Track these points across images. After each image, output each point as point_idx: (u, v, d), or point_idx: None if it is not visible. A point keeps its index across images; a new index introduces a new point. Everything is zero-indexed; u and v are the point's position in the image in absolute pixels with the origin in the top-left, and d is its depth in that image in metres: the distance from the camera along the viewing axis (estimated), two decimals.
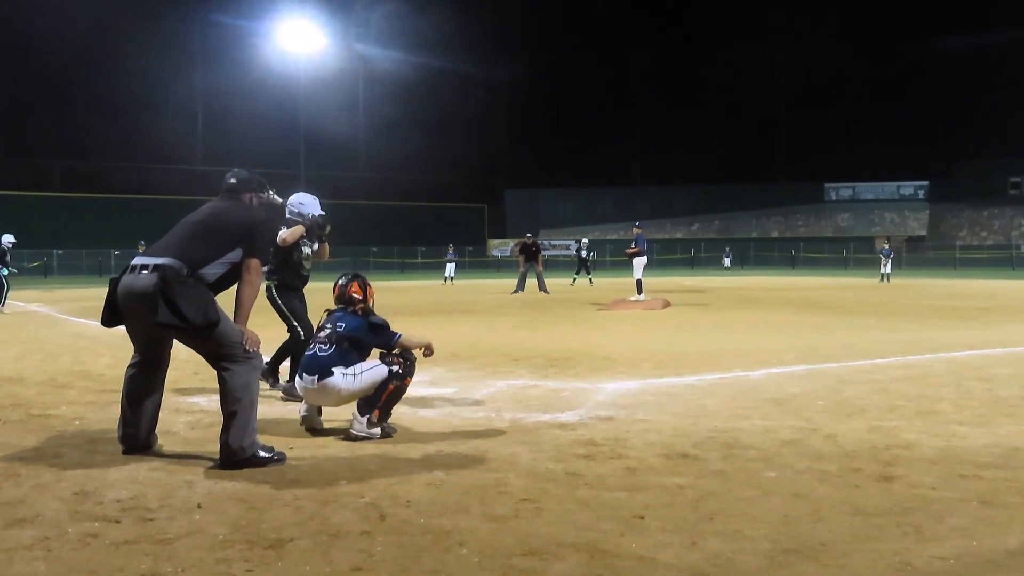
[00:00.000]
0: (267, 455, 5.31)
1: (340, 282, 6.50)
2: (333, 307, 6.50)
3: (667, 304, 20.45)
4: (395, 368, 6.17)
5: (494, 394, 7.89)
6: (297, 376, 6.40)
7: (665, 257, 72.39)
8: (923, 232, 77.94)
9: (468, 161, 79.98)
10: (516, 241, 75.27)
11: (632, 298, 21.37)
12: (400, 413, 6.89)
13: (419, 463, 5.36)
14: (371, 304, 6.55)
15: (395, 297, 26.75)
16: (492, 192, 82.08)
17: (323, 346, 6.19)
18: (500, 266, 68.42)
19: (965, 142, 79.97)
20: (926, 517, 4.25)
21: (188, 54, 67.77)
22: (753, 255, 72.46)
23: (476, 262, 70.21)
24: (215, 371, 5.37)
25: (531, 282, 28.62)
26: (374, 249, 65.03)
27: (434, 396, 7.78)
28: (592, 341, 12.56)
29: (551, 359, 10.33)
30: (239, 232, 5.48)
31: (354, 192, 73.36)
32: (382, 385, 6.10)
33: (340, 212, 68.71)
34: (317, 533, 4.05)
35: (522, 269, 29.07)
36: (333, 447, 5.81)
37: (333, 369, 6.07)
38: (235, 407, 5.25)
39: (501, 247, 76.37)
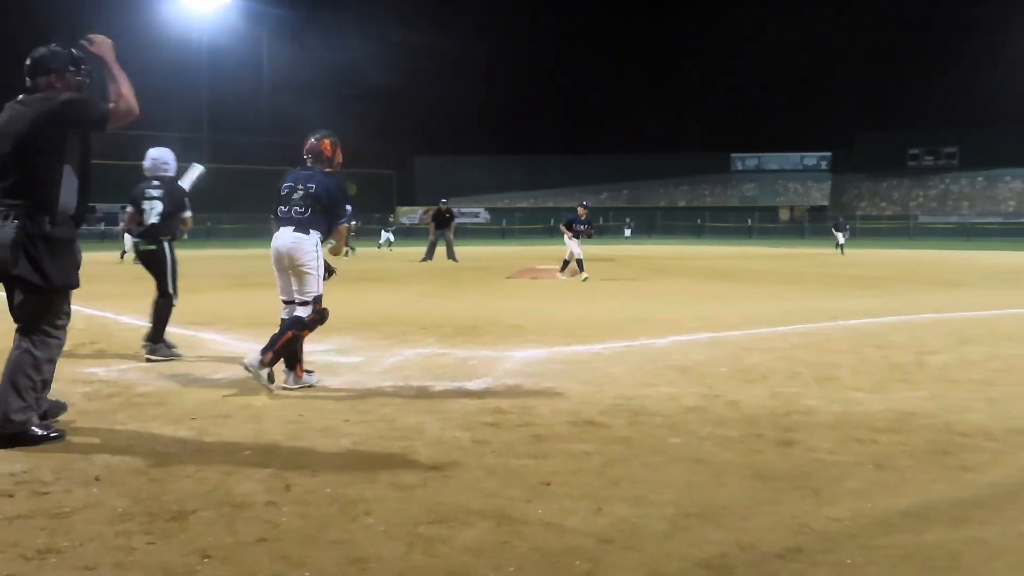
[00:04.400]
0: (42, 432, 5.01)
1: (312, 138, 6.85)
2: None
3: (575, 272, 20.61)
4: (305, 314, 6.57)
5: (402, 363, 7.87)
6: (276, 229, 6.68)
7: None
8: (825, 202, 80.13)
9: (377, 127, 79.02)
10: (425, 209, 74.89)
11: (583, 276, 19.09)
12: (307, 382, 6.83)
13: (325, 432, 5.33)
14: (336, 167, 6.87)
15: None
16: (402, 159, 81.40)
17: (299, 208, 6.57)
18: (409, 233, 68.03)
19: (866, 114, 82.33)
20: (823, 480, 4.41)
21: (84, 8, 65.29)
22: (660, 224, 73.52)
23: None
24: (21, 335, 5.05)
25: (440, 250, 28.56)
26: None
27: (341, 364, 7.73)
28: (501, 309, 12.60)
29: (460, 327, 10.34)
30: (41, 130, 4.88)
31: (259, 156, 71.87)
32: (284, 327, 6.52)
33: (245, 176, 67.36)
34: (220, 504, 4.00)
35: (431, 237, 28.57)
36: (237, 416, 5.73)
37: (311, 231, 6.53)
38: (21, 380, 4.95)
39: (410, 214, 75.87)
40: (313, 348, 8.29)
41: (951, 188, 78.23)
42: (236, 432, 5.34)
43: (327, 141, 6.92)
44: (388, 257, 32.01)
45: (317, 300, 6.70)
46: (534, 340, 9.32)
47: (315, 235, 6.62)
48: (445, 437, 5.24)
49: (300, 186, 6.68)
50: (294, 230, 6.58)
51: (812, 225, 72.64)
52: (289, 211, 6.63)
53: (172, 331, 8.36)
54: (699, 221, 73.00)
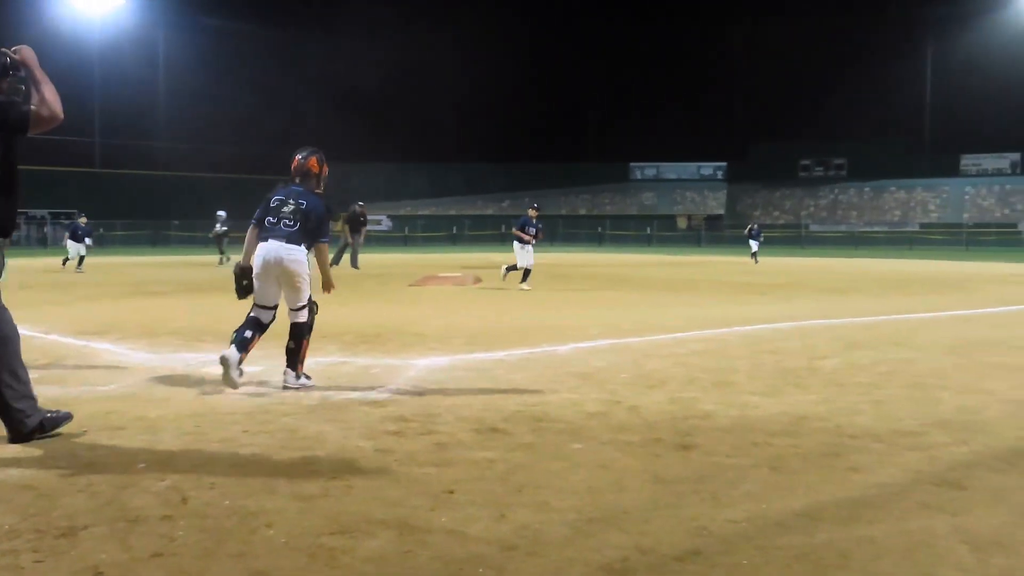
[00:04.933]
0: None
1: (299, 156, 7.15)
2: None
3: (478, 280, 20.68)
4: (303, 319, 7.05)
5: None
6: (264, 241, 6.94)
7: (476, 233, 73.10)
8: (721, 211, 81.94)
9: (274, 132, 77.74)
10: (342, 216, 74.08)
11: (524, 286, 18.41)
12: (204, 392, 6.70)
13: (223, 443, 5.22)
14: (323, 183, 7.21)
15: (199, 273, 25.83)
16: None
17: (288, 221, 6.89)
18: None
19: (760, 126, 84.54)
20: (721, 483, 4.50)
21: None
22: (562, 232, 74.15)
23: None
24: None
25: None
26: (175, 222, 62.43)
27: None
28: (403, 317, 12.55)
29: (362, 335, 10.25)
30: None
31: (154, 162, 70.09)
32: (298, 340, 6.98)
33: (140, 183, 65.58)
34: (114, 519, 3.88)
35: (348, 240, 27.50)
36: (131, 428, 5.57)
37: (302, 244, 6.86)
38: None
39: None
40: (211, 357, 8.14)
41: (840, 198, 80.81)
42: (130, 444, 5.19)
43: (313, 159, 7.21)
44: None
45: (309, 300, 7.12)
46: (437, 348, 9.30)
47: (304, 248, 6.97)
48: (347, 446, 5.18)
49: (291, 201, 6.99)
50: (286, 242, 6.89)
51: (709, 233, 74.27)
52: (278, 223, 6.92)
53: (64, 341, 8.10)
54: (600, 229, 73.89)
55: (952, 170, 78.35)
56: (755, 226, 38.80)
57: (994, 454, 5.11)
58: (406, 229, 73.10)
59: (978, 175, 78.40)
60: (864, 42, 78.96)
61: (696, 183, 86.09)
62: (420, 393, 6.80)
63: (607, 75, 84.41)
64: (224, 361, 6.66)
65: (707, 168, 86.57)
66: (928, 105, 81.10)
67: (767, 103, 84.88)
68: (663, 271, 28.11)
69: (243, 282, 7.20)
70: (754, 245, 36.43)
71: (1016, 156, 77.25)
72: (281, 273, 6.93)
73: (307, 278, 7.04)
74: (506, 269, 19.48)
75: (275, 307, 7.17)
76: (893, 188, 79.75)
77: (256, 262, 6.97)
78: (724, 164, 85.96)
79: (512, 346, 9.46)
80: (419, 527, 3.83)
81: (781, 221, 77.18)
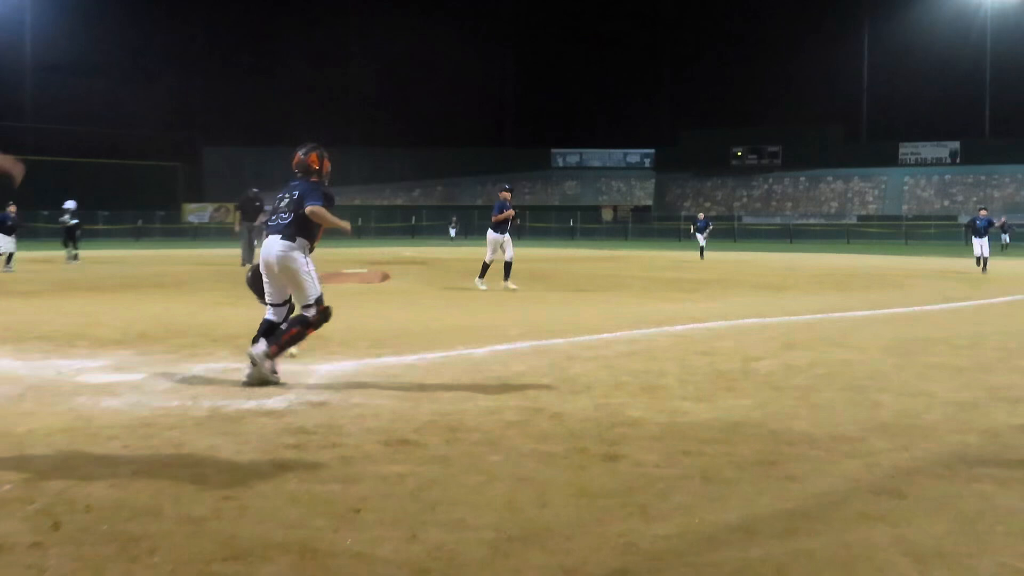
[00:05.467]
0: None
1: (299, 152, 7.70)
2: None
3: (386, 277, 20.57)
4: (309, 314, 7.40)
5: (191, 379, 7.62)
6: (265, 236, 7.60)
7: (384, 225, 72.73)
8: (649, 202, 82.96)
9: (160, 114, 76.17)
10: (217, 206, 72.80)
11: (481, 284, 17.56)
12: (79, 404, 6.53)
13: (101, 461, 5.09)
14: (325, 178, 7.71)
15: (74, 270, 25.17)
16: (189, 149, 78.68)
17: (283, 215, 7.45)
18: (197, 234, 66.05)
19: (690, 111, 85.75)
20: (650, 496, 4.55)
21: None
22: (478, 224, 74.15)
23: (170, 229, 67.36)
24: None
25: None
26: (44, 212, 60.67)
27: (119, 383, 7.40)
28: None
29: None
30: None
31: (19, 146, 68.00)
32: (290, 324, 7.40)
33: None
34: None
35: (238, 228, 26.56)
36: None
37: (297, 237, 7.35)
38: None
39: (199, 212, 73.71)
40: (86, 364, 7.93)
41: (774, 188, 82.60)
42: None
43: (313, 154, 7.76)
44: (174, 259, 30.94)
45: (319, 301, 7.52)
46: (341, 351, 9.22)
47: (301, 240, 7.44)
48: (241, 462, 5.10)
49: (287, 194, 7.59)
50: (281, 238, 7.42)
51: (636, 226, 75.13)
52: (276, 218, 7.52)
53: None
54: (519, 221, 74.07)
55: (891, 159, 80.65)
56: (701, 215, 37.41)
57: (935, 460, 5.27)
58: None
59: (917, 164, 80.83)
60: (800, 25, 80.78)
61: (622, 172, 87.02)
62: (322, 402, 6.73)
63: (526, 53, 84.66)
64: (254, 356, 7.19)
65: (634, 156, 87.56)
66: (866, 91, 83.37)
67: (699, 87, 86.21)
68: (587, 266, 28.34)
69: (258, 283, 7.79)
70: (700, 239, 34.88)
71: (955, 145, 79.78)
72: (278, 269, 7.45)
73: (305, 273, 7.46)
74: (505, 278, 17.81)
75: (285, 303, 7.66)
76: (830, 178, 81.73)
77: (261, 262, 7.57)
78: (652, 151, 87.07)
79: (424, 349, 9.42)
80: (322, 550, 3.78)
81: (713, 213, 78.37)
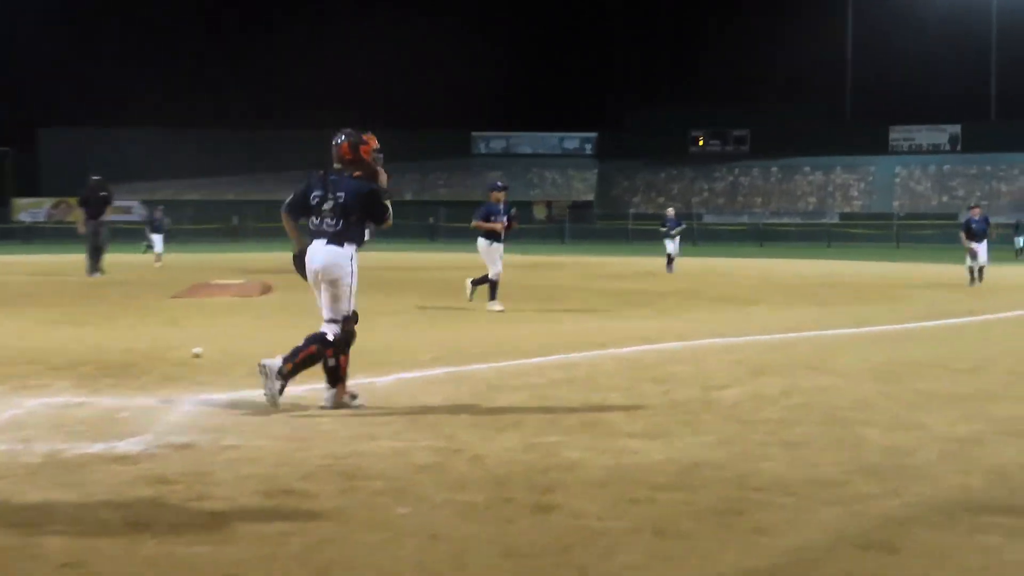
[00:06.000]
0: None
1: (335, 142, 8.23)
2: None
3: (268, 288, 20.40)
4: (331, 333, 8.05)
5: (21, 417, 7.49)
6: (313, 244, 8.22)
7: (266, 224, 71.92)
8: (590, 196, 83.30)
9: None
10: (55, 201, 71.45)
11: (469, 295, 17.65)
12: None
13: None
14: (367, 166, 8.21)
15: None
16: (21, 132, 77.08)
17: (329, 220, 8.09)
18: (31, 235, 64.82)
19: (640, 88, 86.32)
20: (591, 554, 4.57)
21: None
22: (399, 226, 73.77)
23: None
24: None
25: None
26: None
27: None
28: (165, 340, 12.26)
29: (105, 366, 9.97)
30: None
31: None
32: (307, 340, 8.08)
33: None
34: None
35: (83, 229, 25.50)
36: None
37: (345, 243, 8.07)
38: None
39: (33, 208, 72.40)
40: None
41: (741, 180, 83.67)
42: None
43: (345, 144, 8.22)
44: (0, 267, 30.33)
45: (347, 320, 8.20)
46: (212, 381, 9.13)
47: (350, 248, 8.17)
48: (85, 519, 5.03)
49: (330, 196, 8.13)
50: (327, 243, 8.10)
51: (575, 226, 75.41)
52: (320, 223, 8.15)
53: None
54: (431, 220, 73.98)
55: (879, 146, 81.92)
56: (671, 212, 33.91)
57: (932, 507, 5.36)
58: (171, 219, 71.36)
59: (910, 152, 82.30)
60: None
61: (558, 160, 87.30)
62: (187, 444, 6.65)
63: (441, 14, 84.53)
64: (266, 369, 7.84)
65: (572, 140, 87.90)
66: (850, 64, 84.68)
67: (651, 58, 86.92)
68: (517, 275, 28.34)
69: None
70: (671, 246, 31.58)
71: (956, 129, 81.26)
72: (322, 276, 8.14)
73: (348, 284, 8.18)
74: (472, 283, 17.79)
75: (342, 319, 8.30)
76: (807, 168, 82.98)
77: (308, 268, 8.25)
78: (594, 136, 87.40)
79: (313, 378, 9.34)
80: None
81: (668, 210, 79.00)
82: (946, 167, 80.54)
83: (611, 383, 9.24)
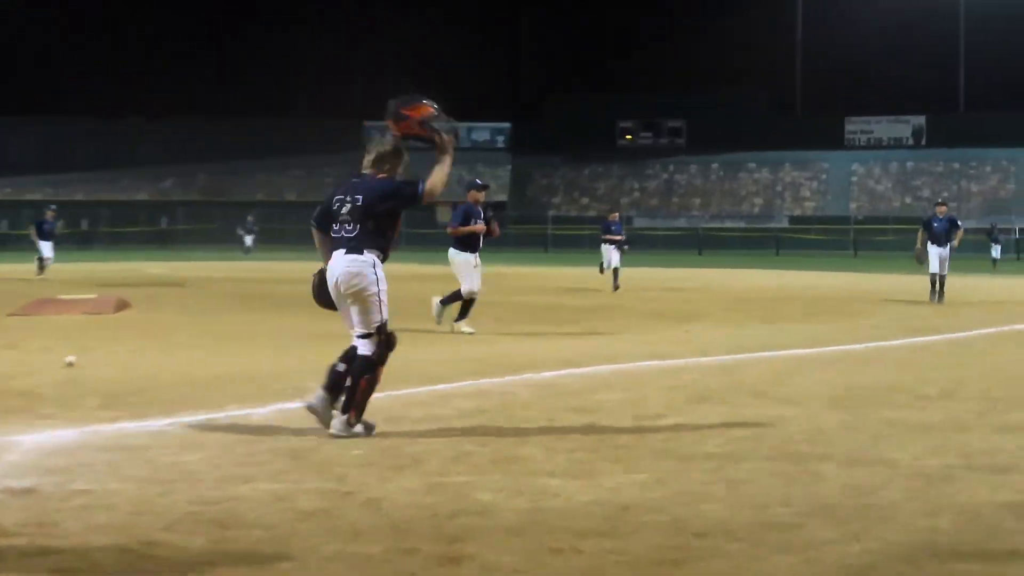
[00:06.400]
0: None
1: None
2: None
3: (123, 305, 20.16)
4: (369, 351, 8.35)
5: None
6: (332, 255, 8.59)
7: (119, 230, 71.36)
8: (503, 196, 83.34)
9: None
10: None
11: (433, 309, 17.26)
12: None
13: None
14: (399, 166, 8.90)
15: None
16: None
17: (347, 226, 8.48)
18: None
19: (561, 71, 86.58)
20: None
21: None
22: (258, 228, 73.13)
23: None
24: None
25: None
26: None
27: None
28: (1, 367, 12.09)
29: None
30: None
31: None
32: (354, 376, 8.28)
33: None
34: None
35: None
36: None
37: (364, 250, 8.39)
38: None
39: None
40: None
41: (677, 179, 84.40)
42: None
43: (389, 121, 8.88)
44: None
45: (381, 329, 8.46)
46: (56, 415, 9.01)
47: (371, 255, 8.47)
48: None
49: (348, 199, 8.58)
50: (346, 252, 8.45)
51: None
52: (340, 230, 8.56)
53: None
54: (498, 231, 73.49)
55: (834, 140, 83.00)
56: (611, 217, 32.39)
57: (897, 552, 5.42)
58: (3, 223, 70.35)
59: (869, 147, 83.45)
60: None
61: (465, 154, 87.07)
62: (28, 489, 6.55)
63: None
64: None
65: (482, 132, 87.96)
66: (800, 47, 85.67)
67: (574, 37, 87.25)
68: (418, 288, 28.24)
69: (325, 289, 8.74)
70: (614, 258, 29.62)
71: (920, 120, 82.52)
72: (344, 288, 8.44)
73: (375, 292, 8.46)
74: (440, 303, 17.30)
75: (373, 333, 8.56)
76: (752, 165, 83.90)
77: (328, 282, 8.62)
78: (507, 126, 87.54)
79: (180, 410, 9.26)
80: None
81: (592, 212, 79.40)
82: (909, 164, 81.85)
83: (527, 413, 9.25)
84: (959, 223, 26.09)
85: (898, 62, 79.06)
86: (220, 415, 9.09)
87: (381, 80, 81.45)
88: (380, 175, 8.74)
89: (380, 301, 8.47)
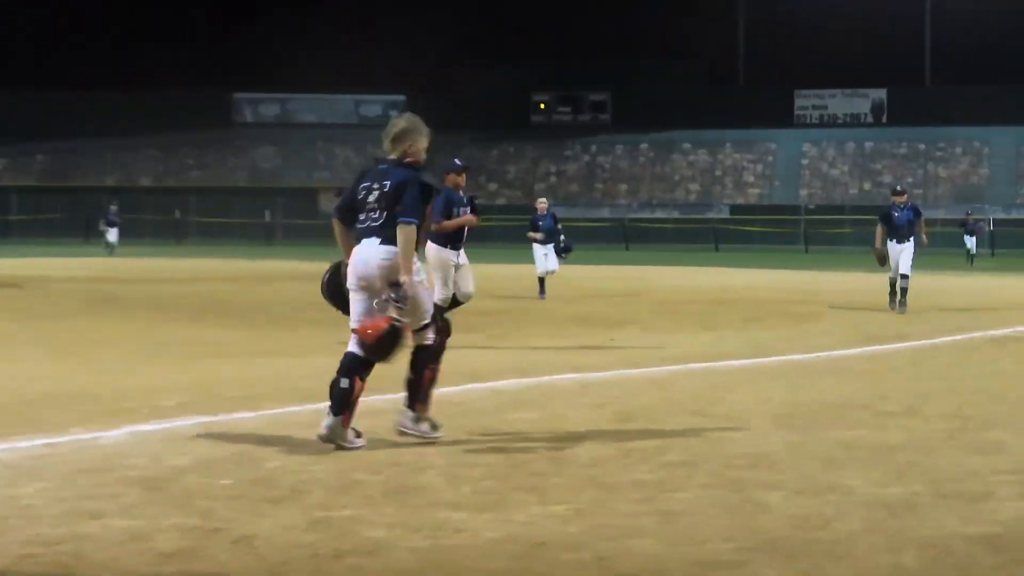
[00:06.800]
0: None
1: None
2: None
3: None
4: (429, 340, 9.01)
5: None
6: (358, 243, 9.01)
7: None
8: None
9: None
10: None
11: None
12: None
13: None
14: (416, 150, 9.22)
15: None
16: None
17: (373, 215, 8.94)
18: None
19: (466, 36, 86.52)
20: None
21: None
22: (133, 221, 72.02)
23: None
24: None
25: None
26: None
27: None
28: None
29: None
30: None
31: None
32: (418, 369, 8.97)
33: None
34: None
35: None
36: None
37: (395, 242, 8.72)
38: None
39: None
40: None
41: (600, 161, 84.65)
42: None
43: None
44: None
45: (435, 318, 9.20)
46: None
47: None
48: None
49: (376, 185, 9.05)
50: (380, 242, 8.85)
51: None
52: (366, 219, 9.01)
53: None
54: (177, 214, 73.09)
55: (782, 117, 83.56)
56: (546, 210, 31.11)
57: None
58: None
59: (822, 124, 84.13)
60: None
61: (354, 131, 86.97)
62: None
63: None
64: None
65: (372, 105, 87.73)
66: (743, 9, 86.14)
67: None
68: (296, 289, 28.21)
69: (343, 290, 9.08)
70: (552, 260, 28.75)
71: (881, 94, 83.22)
72: (381, 283, 8.76)
73: (422, 281, 9.12)
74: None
75: None
76: (687, 146, 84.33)
77: (348, 271, 9.02)
78: (402, 99, 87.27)
79: (10, 433, 9.15)
80: None
81: (501, 200, 79.56)
82: (868, 144, 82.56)
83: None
84: (921, 213, 24.54)
85: (855, 27, 79.68)
86: (62, 439, 8.99)
87: (254, 43, 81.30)
88: (407, 159, 9.17)
89: (424, 293, 9.15)
